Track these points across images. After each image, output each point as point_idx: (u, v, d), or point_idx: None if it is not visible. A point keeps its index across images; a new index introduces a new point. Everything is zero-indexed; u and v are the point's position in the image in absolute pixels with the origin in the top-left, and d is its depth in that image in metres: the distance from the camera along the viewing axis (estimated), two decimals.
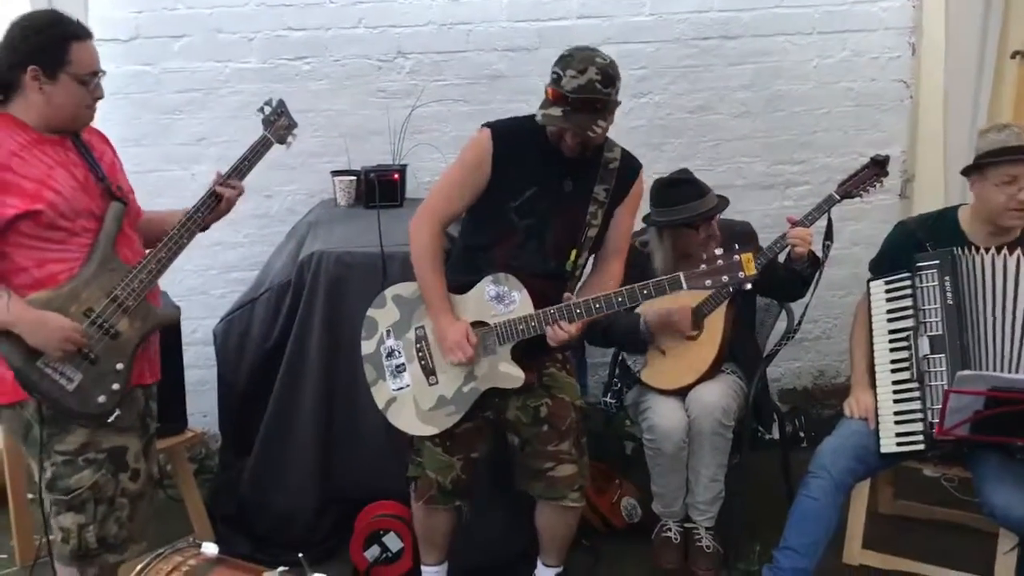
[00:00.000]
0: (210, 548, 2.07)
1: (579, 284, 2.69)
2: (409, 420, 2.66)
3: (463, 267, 2.66)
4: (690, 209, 3.06)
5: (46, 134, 2.25)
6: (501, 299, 2.55)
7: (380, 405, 2.70)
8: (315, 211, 3.87)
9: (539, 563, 2.90)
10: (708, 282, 2.38)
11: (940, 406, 2.54)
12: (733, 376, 3.18)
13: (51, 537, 2.34)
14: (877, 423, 2.75)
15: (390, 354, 2.70)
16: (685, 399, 3.10)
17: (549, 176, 2.57)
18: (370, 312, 2.75)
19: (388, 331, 2.71)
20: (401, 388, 2.67)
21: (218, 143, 3.94)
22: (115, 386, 2.25)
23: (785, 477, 3.46)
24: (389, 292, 2.74)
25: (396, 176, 3.79)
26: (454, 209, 2.64)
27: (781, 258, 3.08)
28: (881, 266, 2.97)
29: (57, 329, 2.15)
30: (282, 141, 2.66)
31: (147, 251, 2.41)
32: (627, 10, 4.03)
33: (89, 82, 2.25)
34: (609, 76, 2.44)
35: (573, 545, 3.15)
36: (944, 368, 2.61)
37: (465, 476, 2.71)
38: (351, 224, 3.55)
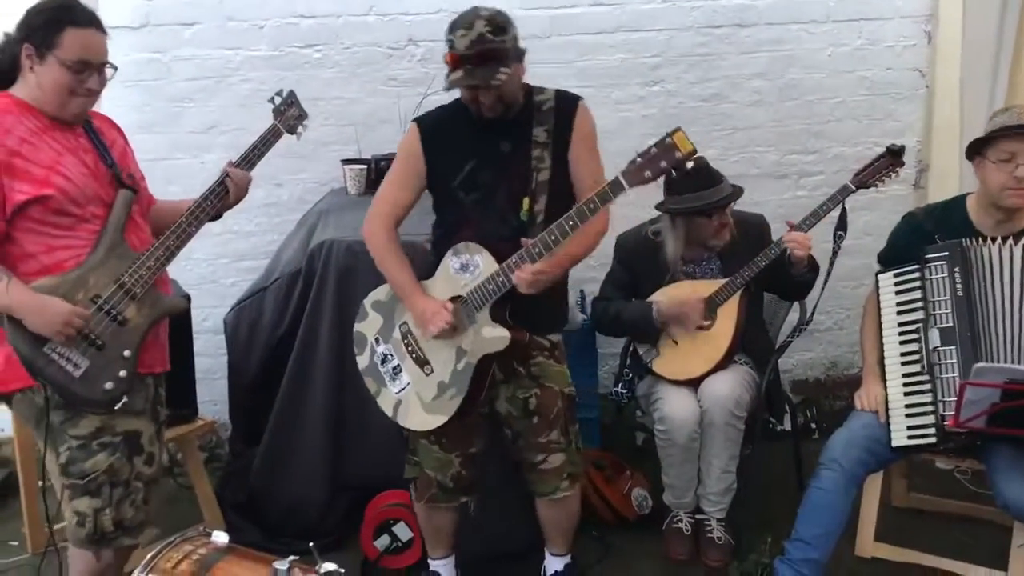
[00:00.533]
0: (220, 537, 2.07)
1: (541, 231, 2.52)
2: (418, 417, 2.64)
3: (437, 264, 2.64)
4: (704, 197, 3.03)
5: (57, 120, 2.24)
6: (466, 268, 2.54)
7: (388, 412, 2.69)
8: (326, 200, 3.86)
9: (547, 553, 2.89)
10: (648, 173, 2.26)
11: (952, 398, 2.52)
12: (745, 367, 3.16)
13: (61, 525, 2.34)
14: (888, 416, 2.73)
15: (384, 360, 2.69)
16: (697, 390, 3.08)
17: (483, 145, 2.57)
18: (356, 327, 2.75)
19: (377, 339, 2.70)
20: (403, 389, 2.66)
21: (228, 131, 3.93)
22: (122, 373, 2.24)
23: (797, 468, 3.45)
24: (367, 301, 2.74)
25: None
26: (400, 203, 2.65)
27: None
28: (889, 258, 2.95)
29: (56, 314, 2.14)
30: (292, 131, 2.65)
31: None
32: None
33: (79, 71, 2.20)
34: (499, 24, 2.43)
35: (583, 536, 3.16)
36: (955, 360, 2.59)
37: (467, 472, 2.70)
38: (361, 213, 3.48)
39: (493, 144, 2.57)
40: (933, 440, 2.62)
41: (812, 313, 3.21)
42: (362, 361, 2.74)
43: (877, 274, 2.89)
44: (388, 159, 3.74)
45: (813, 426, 4.17)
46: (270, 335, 3.40)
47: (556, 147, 2.56)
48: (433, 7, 3.92)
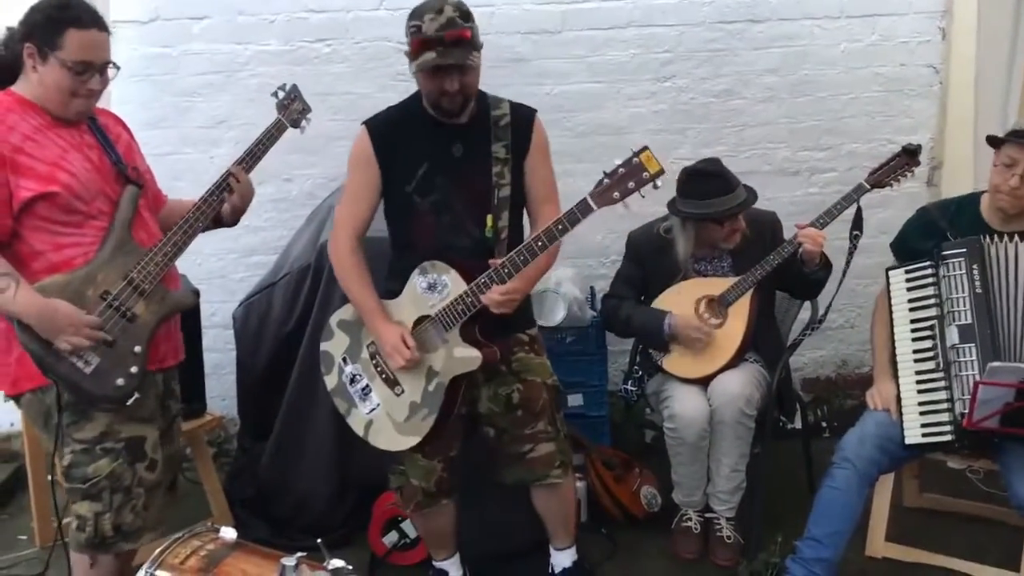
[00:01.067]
0: (228, 532, 2.07)
1: (505, 247, 2.54)
2: (390, 437, 2.60)
3: (398, 274, 2.61)
4: (718, 204, 3.01)
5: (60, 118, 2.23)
6: (434, 287, 2.51)
7: (360, 433, 2.65)
8: (335, 195, 3.84)
9: (551, 549, 2.88)
10: (616, 194, 2.27)
11: (969, 397, 2.50)
12: (756, 365, 3.14)
13: (70, 519, 2.34)
14: (901, 414, 2.71)
15: (353, 380, 2.65)
16: (707, 388, 3.07)
17: (436, 147, 2.55)
18: (322, 346, 2.72)
19: (344, 358, 2.67)
20: (373, 409, 2.62)
21: (237, 126, 3.92)
22: (133, 368, 2.23)
23: (807, 467, 3.43)
24: (333, 320, 2.71)
25: None
26: (362, 215, 2.61)
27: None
28: (900, 249, 2.95)
29: (67, 325, 2.13)
30: (296, 125, 2.65)
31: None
32: None
33: (81, 72, 2.18)
34: (465, 11, 2.45)
35: (592, 534, 3.15)
36: (974, 358, 2.56)
37: (447, 475, 2.69)
38: None
39: (445, 147, 2.56)
40: (950, 438, 2.60)
41: (826, 312, 3.19)
42: (330, 381, 2.70)
43: (888, 270, 2.87)
44: None
45: (824, 425, 4.16)
46: (279, 330, 3.39)
47: (515, 162, 2.57)
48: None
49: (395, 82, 3.96)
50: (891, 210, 4.07)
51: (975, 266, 2.62)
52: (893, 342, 2.79)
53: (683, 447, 3.05)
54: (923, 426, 2.65)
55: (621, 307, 3.22)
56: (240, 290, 3.87)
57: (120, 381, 2.22)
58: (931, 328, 2.69)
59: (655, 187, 2.27)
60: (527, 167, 2.60)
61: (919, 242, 2.83)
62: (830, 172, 4.18)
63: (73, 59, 2.16)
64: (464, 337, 2.49)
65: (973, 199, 2.88)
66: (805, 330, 3.19)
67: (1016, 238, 2.62)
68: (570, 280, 3.66)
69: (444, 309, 2.47)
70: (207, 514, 3.24)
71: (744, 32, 4.04)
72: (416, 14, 2.46)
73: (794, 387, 3.58)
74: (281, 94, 2.64)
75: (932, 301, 2.71)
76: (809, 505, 2.76)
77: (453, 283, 2.48)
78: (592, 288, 3.93)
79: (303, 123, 2.67)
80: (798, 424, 3.48)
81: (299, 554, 1.94)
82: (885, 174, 3.04)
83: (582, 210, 2.31)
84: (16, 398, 2.31)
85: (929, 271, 2.73)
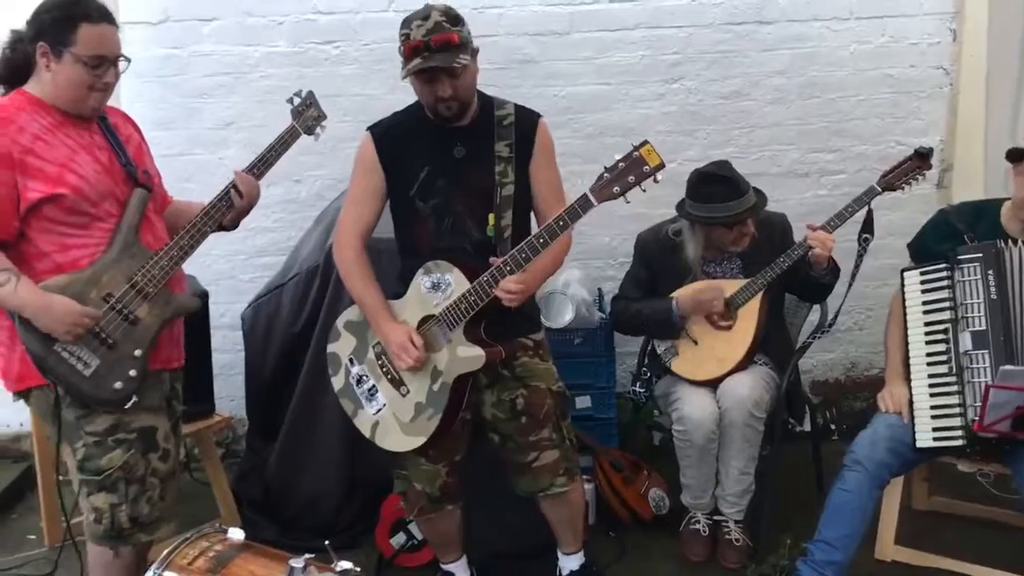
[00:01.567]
0: (236, 533, 2.07)
1: (509, 246, 2.51)
2: (396, 438, 2.61)
3: (404, 278, 2.62)
4: (728, 208, 2.98)
5: (71, 116, 2.24)
6: (437, 287, 2.51)
7: (367, 433, 2.66)
8: (344, 196, 3.84)
9: (559, 552, 2.87)
10: (616, 188, 2.26)
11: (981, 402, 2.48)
12: (765, 367, 3.13)
13: (79, 519, 2.35)
14: (912, 417, 2.69)
15: (359, 381, 2.66)
16: (716, 390, 3.06)
17: (438, 150, 2.56)
18: (329, 348, 2.72)
19: (351, 359, 2.67)
20: (379, 410, 2.63)
21: (246, 127, 3.93)
22: (132, 372, 2.24)
23: (816, 470, 3.42)
24: (339, 322, 2.71)
25: None
26: (366, 218, 2.63)
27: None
28: (917, 249, 2.93)
29: (65, 313, 2.14)
30: (310, 132, 2.63)
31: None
32: None
33: (96, 66, 2.20)
34: (453, 16, 2.47)
35: (600, 536, 3.14)
36: (987, 364, 2.55)
37: (452, 479, 2.68)
38: None
39: (447, 150, 2.56)
40: (961, 443, 2.59)
41: (836, 316, 3.18)
42: (337, 382, 2.71)
43: (903, 271, 2.85)
44: None
45: (832, 427, 4.15)
46: (287, 331, 3.40)
47: (519, 161, 2.57)
48: (454, 3, 3.81)
49: (405, 84, 3.93)
50: (901, 212, 4.06)
51: (991, 272, 2.61)
52: (907, 344, 2.78)
53: (692, 449, 3.04)
54: (935, 430, 2.64)
55: (630, 305, 3.21)
56: (249, 291, 3.87)
57: (118, 384, 2.22)
58: (945, 332, 2.68)
59: (655, 181, 2.25)
60: (532, 170, 2.60)
61: (936, 244, 2.81)
62: (839, 174, 4.16)
63: (88, 54, 2.18)
64: (468, 336, 2.49)
65: (994, 205, 2.85)
66: (815, 333, 3.17)
67: None
68: (578, 282, 3.66)
69: (448, 308, 2.48)
70: (215, 515, 3.25)
71: (753, 33, 4.03)
72: (405, 22, 2.48)
73: (803, 389, 3.57)
74: (297, 100, 2.62)
75: (947, 305, 2.69)
76: (817, 508, 2.75)
77: (456, 282, 2.48)
78: (600, 290, 3.93)
79: (318, 130, 2.65)
80: (807, 427, 3.47)
81: (307, 555, 1.94)
82: (896, 177, 3.03)
83: (582, 205, 2.30)
84: (24, 395, 2.32)
85: (944, 274, 2.71)
